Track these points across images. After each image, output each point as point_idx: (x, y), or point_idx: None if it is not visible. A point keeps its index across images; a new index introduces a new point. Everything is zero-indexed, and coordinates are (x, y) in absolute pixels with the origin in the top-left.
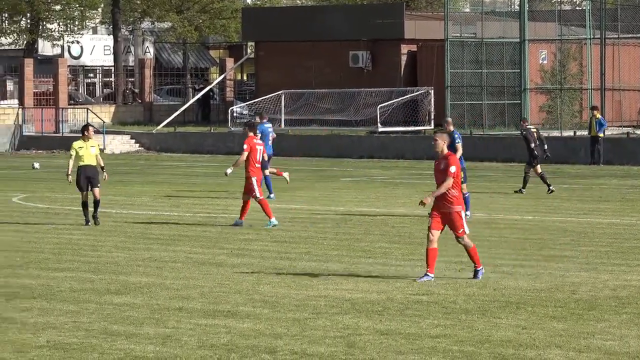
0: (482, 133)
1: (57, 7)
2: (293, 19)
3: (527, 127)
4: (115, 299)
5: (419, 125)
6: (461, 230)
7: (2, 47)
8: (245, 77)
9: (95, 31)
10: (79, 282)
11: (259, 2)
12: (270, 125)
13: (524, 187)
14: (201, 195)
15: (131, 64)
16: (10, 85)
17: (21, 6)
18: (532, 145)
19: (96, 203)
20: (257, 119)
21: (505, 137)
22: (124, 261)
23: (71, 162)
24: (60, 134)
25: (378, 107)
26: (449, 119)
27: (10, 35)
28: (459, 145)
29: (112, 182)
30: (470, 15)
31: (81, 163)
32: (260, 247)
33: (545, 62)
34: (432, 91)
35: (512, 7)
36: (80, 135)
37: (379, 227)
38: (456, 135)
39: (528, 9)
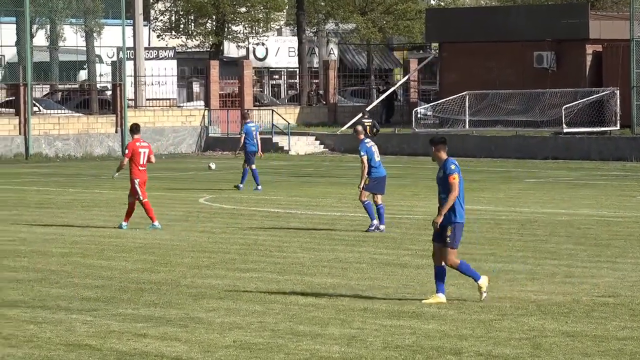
0: None
1: (243, 10)
2: (476, 19)
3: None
4: (301, 300)
5: (605, 126)
6: None
7: (189, 50)
8: None
9: (279, 33)
10: (264, 282)
11: (442, 3)
12: (253, 124)
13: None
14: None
15: (315, 65)
16: (196, 87)
17: (207, 9)
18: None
19: None
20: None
21: None
22: (309, 262)
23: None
24: None
25: (563, 107)
26: (359, 127)
27: (197, 38)
28: (364, 159)
29: (298, 183)
30: None
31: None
32: None
33: None
34: (618, 92)
35: None
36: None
37: (564, 229)
38: (362, 147)
39: None
